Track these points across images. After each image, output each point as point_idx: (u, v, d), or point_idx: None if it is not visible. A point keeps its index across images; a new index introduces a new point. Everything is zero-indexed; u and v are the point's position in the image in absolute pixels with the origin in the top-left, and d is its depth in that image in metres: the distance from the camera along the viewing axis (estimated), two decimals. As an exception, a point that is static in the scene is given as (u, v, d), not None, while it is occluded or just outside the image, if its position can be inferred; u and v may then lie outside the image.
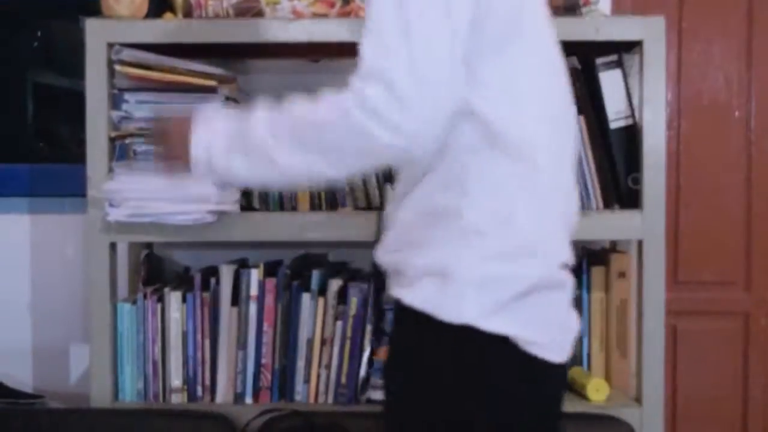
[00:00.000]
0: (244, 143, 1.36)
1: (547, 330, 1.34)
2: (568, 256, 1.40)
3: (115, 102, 2.05)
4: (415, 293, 1.33)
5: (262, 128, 1.34)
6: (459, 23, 1.26)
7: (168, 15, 2.13)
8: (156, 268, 2.37)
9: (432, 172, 1.35)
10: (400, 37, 1.23)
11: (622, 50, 2.12)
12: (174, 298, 2.13)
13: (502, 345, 1.29)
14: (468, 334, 1.28)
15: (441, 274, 1.31)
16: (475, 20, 1.28)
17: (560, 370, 1.39)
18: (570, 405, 2.08)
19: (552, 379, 1.38)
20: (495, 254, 1.30)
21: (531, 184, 1.33)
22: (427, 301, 1.32)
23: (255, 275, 2.12)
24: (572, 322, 1.42)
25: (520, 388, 1.33)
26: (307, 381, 2.12)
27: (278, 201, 2.16)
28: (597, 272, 2.21)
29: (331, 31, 2.03)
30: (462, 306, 1.29)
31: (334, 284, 2.12)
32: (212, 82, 2.03)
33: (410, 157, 1.30)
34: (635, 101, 2.11)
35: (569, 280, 1.39)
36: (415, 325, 1.33)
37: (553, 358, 1.34)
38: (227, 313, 2.13)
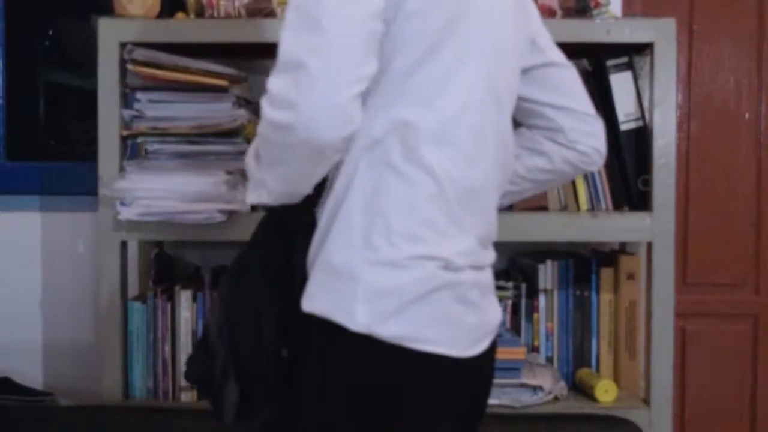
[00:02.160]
0: (248, 172, 1.43)
1: (436, 327, 1.31)
2: (462, 257, 1.35)
3: (127, 101, 2.06)
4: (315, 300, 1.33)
5: (248, 153, 1.42)
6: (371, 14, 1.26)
7: (180, 15, 2.15)
8: (166, 267, 2.38)
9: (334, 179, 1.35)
10: (312, 28, 1.24)
11: (633, 52, 2.12)
12: (184, 296, 2.14)
13: (398, 348, 1.28)
14: (364, 340, 1.28)
15: (335, 280, 1.31)
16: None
17: (459, 364, 1.35)
18: (579, 406, 2.10)
19: (448, 375, 1.35)
20: (379, 260, 1.29)
21: (413, 190, 1.31)
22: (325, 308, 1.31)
23: (265, 274, 2.12)
24: (468, 318, 1.37)
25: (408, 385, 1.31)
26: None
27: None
28: (606, 274, 2.21)
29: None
30: (356, 312, 1.28)
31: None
32: (224, 82, 2.04)
33: (312, 142, 1.25)
34: (645, 103, 2.11)
35: (461, 277, 1.35)
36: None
37: (449, 353, 1.32)
38: (237, 312, 2.13)
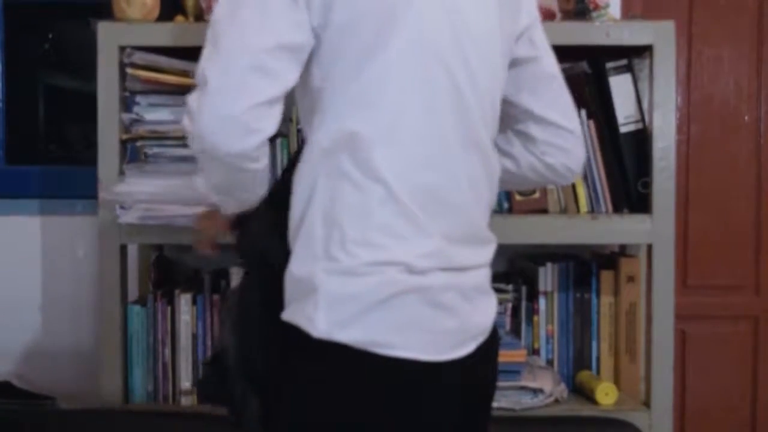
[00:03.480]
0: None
1: (402, 332, 1.31)
2: (426, 259, 1.33)
3: (127, 104, 2.06)
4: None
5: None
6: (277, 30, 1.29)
7: (179, 18, 2.14)
8: (166, 270, 2.38)
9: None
10: (215, 44, 1.29)
11: (633, 55, 2.12)
12: (184, 300, 2.14)
13: (364, 354, 1.29)
14: (332, 347, 1.29)
15: (300, 290, 1.32)
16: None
17: (432, 369, 1.34)
18: (579, 408, 2.09)
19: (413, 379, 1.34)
20: (338, 270, 1.30)
21: (367, 195, 1.31)
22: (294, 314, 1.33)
23: (265, 278, 2.12)
24: (441, 322, 1.35)
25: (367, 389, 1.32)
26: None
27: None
28: (606, 276, 2.21)
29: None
30: (316, 320, 1.29)
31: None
32: (223, 85, 2.03)
33: (212, 152, 1.30)
34: (645, 105, 2.11)
35: (429, 281, 1.33)
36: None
37: (418, 357, 1.32)
38: (237, 315, 2.13)
